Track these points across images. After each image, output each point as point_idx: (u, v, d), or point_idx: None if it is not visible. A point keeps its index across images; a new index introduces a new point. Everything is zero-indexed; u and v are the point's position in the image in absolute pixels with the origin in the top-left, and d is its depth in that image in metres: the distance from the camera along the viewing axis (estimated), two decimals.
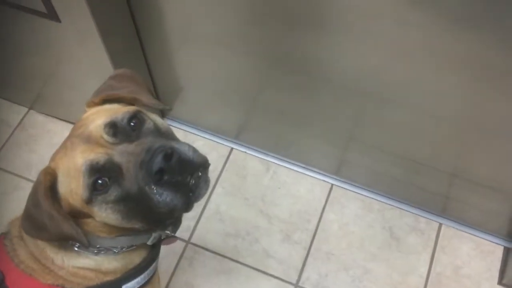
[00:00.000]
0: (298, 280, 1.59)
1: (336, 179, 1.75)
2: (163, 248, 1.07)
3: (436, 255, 1.62)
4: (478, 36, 1.02)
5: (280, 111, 1.58)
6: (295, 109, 1.53)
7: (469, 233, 1.65)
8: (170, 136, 0.88)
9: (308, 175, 1.77)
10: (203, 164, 0.83)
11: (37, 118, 1.89)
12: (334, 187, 1.74)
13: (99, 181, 0.79)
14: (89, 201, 0.80)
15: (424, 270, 1.60)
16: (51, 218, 0.80)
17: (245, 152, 1.82)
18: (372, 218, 1.69)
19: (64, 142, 0.86)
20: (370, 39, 1.15)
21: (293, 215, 1.69)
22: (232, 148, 1.83)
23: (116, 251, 0.92)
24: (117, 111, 0.85)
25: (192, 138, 1.83)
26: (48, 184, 0.81)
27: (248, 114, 1.68)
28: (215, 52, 1.45)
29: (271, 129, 1.69)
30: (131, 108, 0.87)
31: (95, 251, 0.90)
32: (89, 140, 0.81)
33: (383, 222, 1.68)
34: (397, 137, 1.44)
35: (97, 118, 0.84)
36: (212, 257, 1.63)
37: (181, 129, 1.85)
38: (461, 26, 1.02)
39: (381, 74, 1.24)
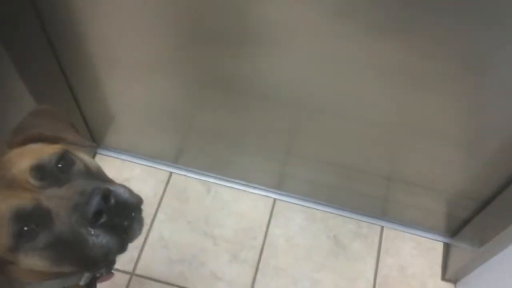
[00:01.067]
0: None
1: (278, 193, 1.76)
2: (103, 285, 1.02)
3: (381, 258, 1.65)
4: (403, 44, 1.06)
5: (215, 132, 1.57)
6: (229, 128, 1.53)
7: (410, 233, 1.70)
8: (101, 176, 0.84)
9: (250, 192, 1.76)
10: (138, 205, 0.79)
11: None
12: (276, 201, 1.74)
13: (26, 228, 0.73)
14: (14, 249, 0.74)
15: (371, 274, 1.63)
16: None
17: (185, 175, 1.79)
18: (316, 228, 1.70)
19: None
20: (297, 52, 1.17)
21: (239, 234, 1.68)
22: (171, 173, 1.79)
23: None
24: (43, 152, 0.79)
25: (129, 166, 1.78)
26: None
27: (184, 137, 1.65)
28: (144, 77, 1.42)
29: (209, 150, 1.67)
30: (58, 149, 0.80)
31: None
32: (13, 184, 0.74)
33: (327, 231, 1.69)
34: (331, 146, 1.46)
35: (21, 160, 0.77)
36: (158, 287, 1.58)
37: (117, 158, 1.80)
38: (385, 35, 1.05)
39: (310, 86, 1.26)
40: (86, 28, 1.28)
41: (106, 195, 0.72)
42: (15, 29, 1.20)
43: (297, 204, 1.74)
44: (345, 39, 1.09)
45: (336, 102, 1.29)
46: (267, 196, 1.75)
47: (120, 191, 0.76)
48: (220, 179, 1.77)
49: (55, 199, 0.74)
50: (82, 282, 0.91)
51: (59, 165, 0.78)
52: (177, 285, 1.58)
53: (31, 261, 0.76)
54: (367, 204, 1.68)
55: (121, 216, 0.75)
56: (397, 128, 1.33)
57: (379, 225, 1.71)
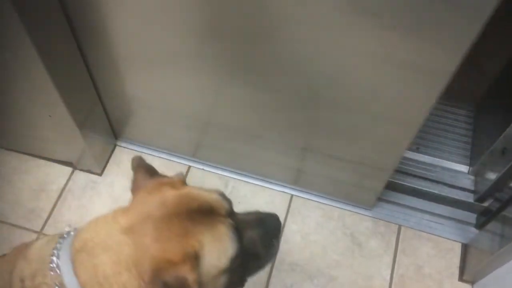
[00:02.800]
0: None
1: (295, 189, 1.76)
2: None
3: (397, 257, 1.64)
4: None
5: (234, 127, 1.57)
6: (247, 123, 1.53)
7: (428, 233, 1.69)
8: None
9: (267, 187, 1.76)
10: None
11: None
12: (294, 197, 1.74)
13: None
14: (227, 270, 0.81)
15: (387, 273, 1.62)
16: None
17: (203, 169, 1.80)
18: (333, 225, 1.70)
19: (165, 223, 0.78)
20: (310, 46, 1.16)
21: None
22: (189, 166, 1.80)
23: None
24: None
25: (148, 159, 1.78)
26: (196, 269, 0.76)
27: (202, 131, 1.66)
28: (164, 72, 1.44)
29: (227, 145, 1.68)
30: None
31: None
32: (213, 212, 0.83)
33: (344, 229, 1.69)
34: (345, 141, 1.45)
35: (207, 192, 0.86)
36: None
37: (137, 151, 1.82)
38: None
39: (324, 79, 1.25)
40: (109, 24, 1.29)
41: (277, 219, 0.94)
42: (42, 25, 1.22)
43: (314, 200, 1.74)
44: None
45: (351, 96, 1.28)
46: (284, 192, 1.75)
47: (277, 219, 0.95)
48: (238, 173, 1.78)
49: (239, 220, 0.86)
50: None
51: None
52: None
53: (219, 282, 0.81)
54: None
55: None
56: None
57: (396, 224, 1.70)
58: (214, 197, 0.85)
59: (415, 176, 1.79)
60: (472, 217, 1.73)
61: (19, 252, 0.89)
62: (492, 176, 1.66)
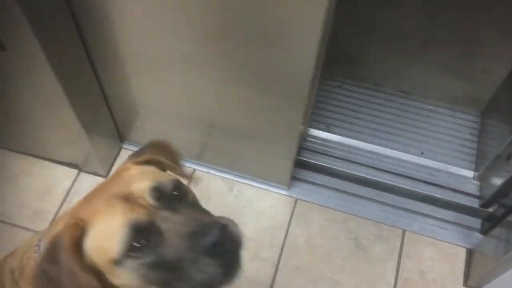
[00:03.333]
0: None
1: (299, 193, 1.76)
2: None
3: (402, 261, 1.64)
4: None
5: (237, 128, 1.58)
6: (253, 126, 1.54)
7: (432, 238, 1.68)
8: (204, 210, 0.88)
9: (271, 191, 1.76)
10: (242, 244, 0.81)
11: None
12: (298, 201, 1.74)
13: (136, 244, 0.75)
14: (118, 262, 0.76)
15: (391, 278, 1.61)
16: (72, 274, 0.75)
17: (208, 172, 1.81)
18: (337, 229, 1.69)
19: (95, 196, 0.82)
20: None
21: (260, 232, 1.68)
22: (194, 169, 1.81)
23: None
24: (162, 177, 0.85)
25: None
26: (77, 237, 0.76)
27: (208, 134, 1.67)
28: (169, 75, 1.44)
29: (231, 148, 1.68)
30: (174, 177, 0.86)
31: None
32: (129, 199, 0.78)
33: (348, 233, 1.69)
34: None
35: (141, 179, 0.82)
36: None
37: None
38: None
39: None
40: (116, 26, 1.30)
41: (224, 230, 0.76)
42: (49, 27, 1.23)
43: (318, 204, 1.74)
44: None
45: None
46: (288, 196, 1.75)
47: (232, 227, 0.80)
48: (242, 177, 1.78)
49: (170, 222, 0.77)
50: None
51: (175, 192, 0.82)
52: None
53: (128, 277, 0.77)
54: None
55: (229, 252, 0.78)
56: None
57: (400, 229, 1.69)
58: (141, 186, 0.81)
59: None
60: (477, 222, 1.72)
61: (10, 255, 0.94)
62: (497, 181, 1.66)
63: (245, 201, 1.74)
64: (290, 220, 1.71)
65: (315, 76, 1.29)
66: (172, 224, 0.77)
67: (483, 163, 1.79)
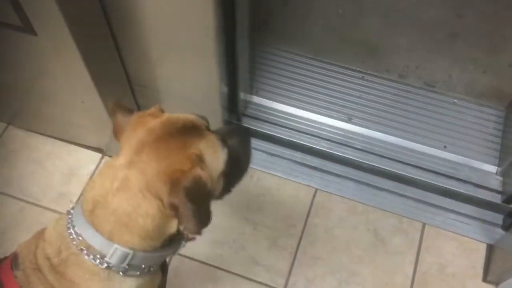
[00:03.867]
0: (285, 286, 1.59)
1: (319, 183, 1.76)
2: None
3: (420, 255, 1.64)
4: None
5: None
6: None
7: (453, 232, 1.67)
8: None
9: (292, 180, 1.77)
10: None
11: (16, 133, 1.87)
12: (318, 191, 1.75)
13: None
14: (223, 172, 0.89)
15: (409, 270, 1.61)
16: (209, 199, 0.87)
17: None
18: (356, 220, 1.70)
19: (160, 141, 0.84)
20: None
21: (279, 221, 1.70)
22: None
23: (146, 271, 0.89)
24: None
25: None
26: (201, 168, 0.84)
27: None
28: (195, 61, 1.46)
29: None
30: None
31: (125, 271, 0.86)
32: (198, 129, 0.89)
33: (368, 224, 1.69)
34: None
35: (183, 115, 0.91)
36: (198, 267, 1.62)
37: None
38: None
39: None
40: (143, 12, 1.32)
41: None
42: (78, 13, 1.25)
43: (338, 195, 1.74)
44: None
45: None
46: (308, 186, 1.76)
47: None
48: (263, 165, 1.79)
49: (221, 134, 0.92)
50: (177, 252, 0.99)
51: None
52: (216, 266, 1.61)
53: (219, 185, 0.91)
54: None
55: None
56: None
57: (420, 222, 1.69)
58: (193, 116, 0.90)
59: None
60: (498, 218, 1.71)
61: (39, 234, 0.93)
62: None
63: (265, 189, 1.75)
64: (309, 210, 1.72)
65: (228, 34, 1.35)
66: (220, 133, 0.92)
67: (507, 159, 1.77)
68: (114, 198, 0.82)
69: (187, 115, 0.89)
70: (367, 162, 1.80)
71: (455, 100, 1.96)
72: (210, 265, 1.62)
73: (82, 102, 1.53)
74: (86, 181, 1.77)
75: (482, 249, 1.65)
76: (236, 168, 0.94)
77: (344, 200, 1.73)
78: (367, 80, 2.00)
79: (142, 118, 0.88)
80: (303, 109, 1.91)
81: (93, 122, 1.64)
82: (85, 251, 0.84)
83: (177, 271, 1.60)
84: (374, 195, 1.75)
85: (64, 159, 1.82)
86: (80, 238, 0.84)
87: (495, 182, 1.77)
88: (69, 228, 0.86)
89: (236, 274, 1.60)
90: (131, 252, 0.84)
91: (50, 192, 1.75)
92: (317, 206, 1.72)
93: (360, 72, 2.02)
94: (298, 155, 1.82)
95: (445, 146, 1.84)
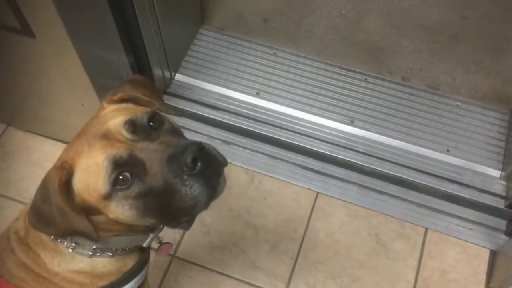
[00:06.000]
0: None
1: (321, 187, 1.75)
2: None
3: (423, 260, 1.62)
4: None
5: None
6: None
7: (455, 237, 1.66)
8: (183, 136, 0.90)
9: (293, 183, 1.75)
10: (224, 163, 0.85)
11: (16, 134, 1.85)
12: (319, 195, 1.73)
13: (121, 177, 0.78)
14: (108, 196, 0.79)
15: (411, 276, 1.60)
16: (62, 214, 0.79)
17: (230, 162, 1.80)
18: (358, 225, 1.68)
19: (77, 138, 0.84)
20: None
21: (280, 225, 1.68)
22: None
23: (111, 254, 0.91)
24: (136, 111, 0.87)
25: None
26: (64, 179, 0.79)
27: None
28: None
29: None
30: (149, 109, 0.88)
31: (90, 253, 0.89)
32: (108, 136, 0.81)
33: (369, 229, 1.67)
34: None
35: (116, 116, 0.84)
36: (198, 271, 1.60)
37: None
38: None
39: None
40: None
41: (201, 148, 0.79)
42: (77, 15, 1.23)
43: (339, 199, 1.72)
44: None
45: None
46: (310, 189, 1.74)
47: (210, 147, 0.83)
48: (264, 169, 1.78)
49: (148, 151, 0.80)
50: (145, 244, 0.96)
51: (151, 123, 0.85)
52: (216, 271, 1.60)
53: (121, 209, 0.81)
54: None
55: (211, 169, 0.81)
56: None
57: (422, 227, 1.67)
58: (116, 122, 0.82)
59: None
60: (502, 223, 1.69)
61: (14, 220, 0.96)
62: None
63: (266, 192, 1.74)
64: (310, 214, 1.70)
65: None
66: (150, 153, 0.80)
67: (511, 163, 1.75)
68: None
69: (113, 119, 0.83)
70: (369, 166, 1.79)
71: (458, 103, 1.94)
72: (211, 270, 1.60)
73: (82, 104, 1.51)
74: None
75: (485, 255, 1.63)
76: (176, 200, 0.80)
77: (346, 204, 1.72)
78: (369, 82, 1.98)
79: (104, 103, 0.90)
80: (305, 111, 1.89)
81: None
82: None
83: (177, 276, 1.59)
84: (376, 200, 1.73)
85: None
86: None
87: (499, 187, 1.76)
88: None
89: (236, 278, 1.59)
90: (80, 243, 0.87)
91: None
92: (319, 210, 1.71)
93: (363, 74, 2.00)
94: (299, 158, 1.80)
95: (448, 150, 1.83)
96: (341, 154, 1.81)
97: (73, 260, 0.89)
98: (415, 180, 1.76)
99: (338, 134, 1.86)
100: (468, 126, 1.89)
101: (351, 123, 1.88)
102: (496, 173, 1.78)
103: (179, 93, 1.94)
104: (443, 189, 1.74)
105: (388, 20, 2.17)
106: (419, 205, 1.72)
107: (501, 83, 2.02)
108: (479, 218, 1.71)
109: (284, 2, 2.21)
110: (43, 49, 1.30)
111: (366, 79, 1.99)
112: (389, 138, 1.85)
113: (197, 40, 2.09)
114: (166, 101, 1.83)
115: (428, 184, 1.75)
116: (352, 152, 1.82)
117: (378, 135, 1.86)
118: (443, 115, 1.91)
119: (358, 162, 1.79)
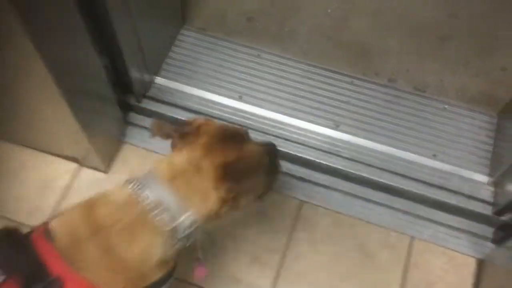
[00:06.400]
0: None
1: (305, 194, 1.70)
2: None
3: (409, 271, 1.58)
4: None
5: None
6: None
7: (442, 246, 1.62)
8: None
9: (276, 191, 1.70)
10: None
11: None
12: (304, 204, 1.69)
13: None
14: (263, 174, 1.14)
15: (397, 287, 1.56)
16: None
17: None
18: (343, 234, 1.64)
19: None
20: None
21: (261, 235, 1.63)
22: None
23: (187, 245, 1.03)
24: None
25: (154, 158, 1.75)
26: None
27: None
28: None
29: None
30: None
31: (181, 238, 0.99)
32: (240, 137, 1.12)
33: (354, 239, 1.63)
34: None
35: (230, 125, 1.18)
36: (177, 285, 1.56)
37: (145, 148, 1.77)
38: None
39: None
40: None
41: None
42: (43, 24, 1.16)
43: (324, 207, 1.68)
44: None
45: None
46: (294, 197, 1.69)
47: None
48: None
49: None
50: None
51: None
52: (195, 285, 1.55)
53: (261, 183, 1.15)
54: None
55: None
56: None
57: (408, 236, 1.63)
58: (238, 127, 1.15)
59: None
60: (489, 231, 1.65)
61: (77, 208, 1.00)
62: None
63: None
64: (294, 223, 1.65)
65: None
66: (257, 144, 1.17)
67: (498, 168, 1.71)
68: (194, 176, 0.99)
69: (234, 126, 1.15)
70: (355, 172, 1.74)
71: (446, 106, 1.89)
72: (190, 283, 1.56)
73: (54, 114, 1.45)
74: (61, 192, 1.70)
75: (472, 264, 1.59)
76: (269, 175, 1.17)
77: (331, 213, 1.67)
78: (356, 85, 1.93)
79: (200, 126, 1.07)
80: (288, 115, 1.84)
81: (66, 133, 1.56)
82: (156, 211, 0.94)
83: None
84: (361, 207, 1.69)
85: (39, 169, 1.74)
86: (152, 200, 0.94)
87: (486, 193, 1.72)
88: (138, 192, 0.96)
89: None
90: (196, 222, 0.98)
91: (24, 204, 1.67)
92: (302, 219, 1.66)
93: (349, 76, 1.95)
94: (282, 165, 1.75)
95: (434, 155, 1.78)
96: (326, 160, 1.76)
97: (163, 247, 0.97)
98: (402, 187, 1.71)
99: (323, 139, 1.81)
100: (456, 130, 1.84)
101: (336, 127, 1.83)
102: (484, 178, 1.74)
103: (159, 97, 1.88)
104: (430, 195, 1.70)
105: (375, 20, 2.11)
106: (405, 212, 1.68)
107: (490, 84, 1.97)
108: (466, 225, 1.67)
109: (268, 0, 2.15)
110: (8, 61, 1.24)
111: (352, 81, 1.94)
112: (375, 143, 1.80)
113: (178, 41, 2.03)
114: (145, 105, 1.81)
115: (414, 190, 1.71)
116: (338, 157, 1.77)
117: (363, 140, 1.81)
118: (430, 118, 1.87)
119: (343, 168, 1.75)
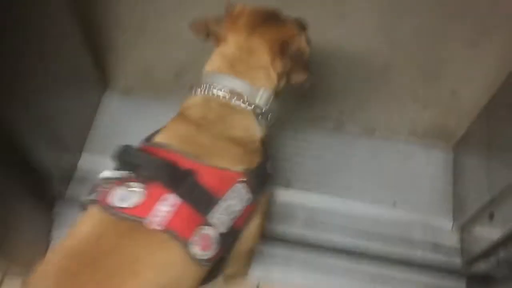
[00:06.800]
0: None
1: (262, 273, 1.54)
2: None
3: None
4: None
5: None
6: None
7: None
8: None
9: None
10: None
11: None
12: (260, 283, 1.53)
13: None
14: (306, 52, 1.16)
15: None
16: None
17: None
18: None
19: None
20: None
21: None
22: None
23: (270, 125, 1.14)
24: None
25: None
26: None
27: None
28: None
29: None
30: None
31: (263, 114, 1.09)
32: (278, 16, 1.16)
33: None
34: None
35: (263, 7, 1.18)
36: None
37: None
38: None
39: None
40: None
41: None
42: None
43: (284, 283, 1.53)
44: None
45: None
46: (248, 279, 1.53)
47: None
48: None
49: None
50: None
51: None
52: None
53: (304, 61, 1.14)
54: None
55: None
56: None
57: None
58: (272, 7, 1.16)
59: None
60: (461, 283, 1.54)
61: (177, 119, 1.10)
62: (479, 234, 1.48)
63: None
64: None
65: None
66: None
67: (461, 210, 1.60)
68: (249, 57, 1.07)
69: (267, 7, 1.15)
70: (311, 238, 1.59)
71: (399, 147, 1.77)
72: None
73: None
74: None
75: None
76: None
77: None
78: (300, 133, 1.78)
79: (234, 13, 1.12)
80: None
81: None
82: (233, 100, 1.05)
83: None
84: (322, 276, 1.54)
85: None
86: (225, 92, 1.05)
87: (452, 240, 1.61)
88: (209, 91, 1.06)
89: None
90: (270, 96, 1.09)
91: None
92: None
93: (292, 127, 1.79)
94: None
95: (394, 203, 1.66)
96: (280, 229, 1.61)
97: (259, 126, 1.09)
98: (365, 248, 1.58)
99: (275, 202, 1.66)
100: (412, 170, 1.73)
101: (288, 184, 1.68)
102: (448, 224, 1.63)
103: (88, 179, 1.66)
104: (394, 252, 1.58)
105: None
106: (372, 277, 1.55)
107: (440, 115, 1.87)
108: (435, 279, 1.55)
109: (198, 50, 1.97)
110: None
111: (296, 130, 1.79)
112: (330, 196, 1.67)
113: (103, 107, 1.83)
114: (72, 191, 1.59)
115: (377, 249, 1.58)
116: (292, 223, 1.62)
117: (318, 195, 1.67)
118: (384, 162, 1.75)
119: (300, 236, 1.60)
